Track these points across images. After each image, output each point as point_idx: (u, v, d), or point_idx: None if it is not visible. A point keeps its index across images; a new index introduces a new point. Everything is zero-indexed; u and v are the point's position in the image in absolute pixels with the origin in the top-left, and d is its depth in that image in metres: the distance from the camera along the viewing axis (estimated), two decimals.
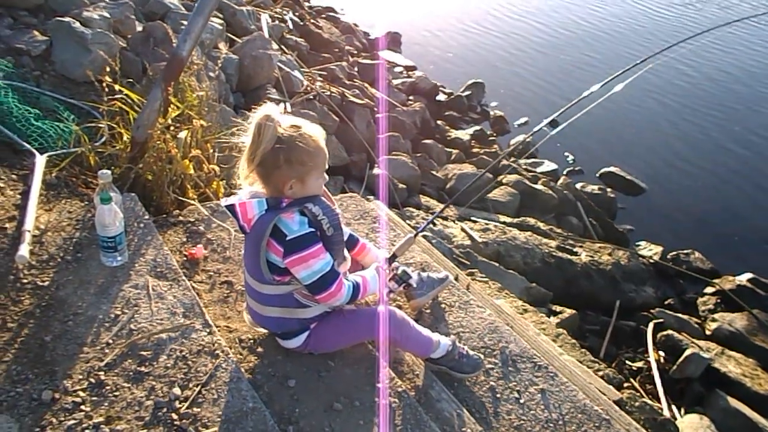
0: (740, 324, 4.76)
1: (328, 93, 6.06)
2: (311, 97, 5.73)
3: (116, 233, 2.25)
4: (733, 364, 4.24)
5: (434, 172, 6.34)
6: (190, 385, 1.88)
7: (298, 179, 1.89)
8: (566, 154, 7.58)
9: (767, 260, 5.86)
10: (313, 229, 1.89)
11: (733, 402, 3.85)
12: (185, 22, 4.25)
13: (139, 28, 4.16)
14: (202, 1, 2.82)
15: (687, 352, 4.14)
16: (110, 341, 1.99)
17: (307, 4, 9.87)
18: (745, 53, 11.01)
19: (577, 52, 10.69)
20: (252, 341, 2.20)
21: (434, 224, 4.67)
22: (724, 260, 5.81)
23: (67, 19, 3.63)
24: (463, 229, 4.83)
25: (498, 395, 2.30)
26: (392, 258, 2.51)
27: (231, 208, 1.94)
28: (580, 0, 13.45)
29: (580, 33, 11.60)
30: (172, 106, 3.05)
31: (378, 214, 3.29)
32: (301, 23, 8.24)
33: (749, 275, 5.45)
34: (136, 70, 3.76)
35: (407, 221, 4.33)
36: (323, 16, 9.81)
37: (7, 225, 2.38)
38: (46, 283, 2.18)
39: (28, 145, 2.79)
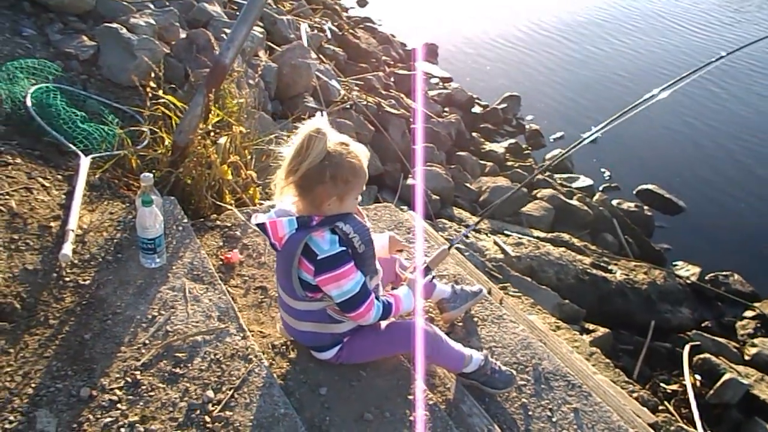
0: None
1: (365, 103, 6.10)
2: (348, 106, 5.77)
3: (156, 235, 2.29)
4: None
5: (468, 185, 6.31)
6: (224, 389, 1.90)
7: (338, 197, 1.88)
8: (603, 170, 7.47)
9: None
10: (344, 248, 1.87)
11: None
12: (227, 30, 4.33)
13: (183, 35, 4.25)
14: (247, 10, 2.86)
15: (725, 377, 4.02)
16: (147, 341, 2.02)
17: (345, 14, 9.96)
18: None
19: (613, 67, 10.54)
20: (285, 347, 2.21)
21: (467, 237, 4.64)
22: (765, 283, 5.64)
23: (114, 25, 3.73)
24: (496, 243, 4.80)
25: (530, 413, 2.27)
26: (426, 270, 2.49)
27: (261, 226, 1.94)
28: (618, 17, 13.27)
29: (616, 49, 11.44)
30: (213, 112, 3.10)
31: (412, 224, 3.28)
32: (340, 33, 8.31)
33: None
34: (178, 76, 3.83)
35: (440, 233, 4.32)
36: (361, 26, 9.88)
37: (51, 224, 2.45)
38: (87, 282, 2.23)
39: (73, 147, 2.86)
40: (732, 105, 9.25)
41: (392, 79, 7.81)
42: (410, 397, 2.07)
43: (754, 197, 7.07)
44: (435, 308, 2.62)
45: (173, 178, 2.94)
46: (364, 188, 1.99)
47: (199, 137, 2.99)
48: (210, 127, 3.09)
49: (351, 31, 8.91)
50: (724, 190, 7.23)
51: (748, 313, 5.18)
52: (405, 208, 4.16)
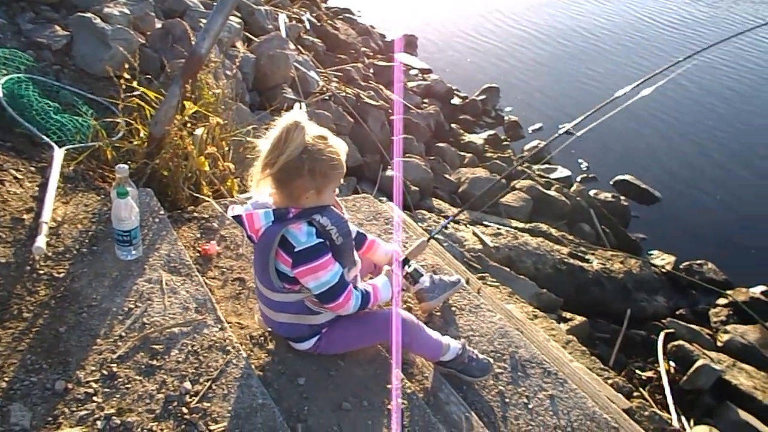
0: (753, 337, 4.71)
1: (344, 94, 6.08)
2: (326, 97, 5.75)
3: (131, 227, 2.27)
4: (744, 377, 4.20)
5: (447, 176, 6.34)
6: (201, 380, 1.90)
7: (316, 190, 1.88)
8: (580, 160, 7.55)
9: None
10: (321, 240, 1.87)
11: (744, 415, 3.81)
12: (204, 20, 4.28)
13: (159, 25, 4.19)
14: (223, 0, 2.84)
15: (698, 363, 4.10)
16: (123, 334, 2.01)
17: (324, 5, 9.90)
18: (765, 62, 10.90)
19: (592, 60, 10.64)
20: (263, 338, 2.21)
21: (446, 228, 4.67)
22: (737, 272, 5.76)
23: (88, 14, 3.67)
24: (474, 233, 4.83)
25: (507, 400, 2.30)
26: (405, 261, 2.51)
27: (238, 218, 1.93)
28: (595, 12, 13.35)
29: (595, 42, 11.53)
30: (189, 103, 3.07)
31: (391, 215, 3.29)
32: (318, 24, 8.26)
33: (763, 287, 5.40)
34: (154, 66, 3.79)
35: (419, 223, 4.34)
36: (340, 17, 9.83)
37: (24, 216, 2.41)
38: (62, 275, 2.21)
39: (46, 138, 2.82)
40: (705, 99, 9.39)
41: (371, 71, 7.80)
42: (388, 386, 2.08)
43: (727, 189, 7.20)
44: (413, 298, 2.63)
45: (149, 169, 2.92)
46: (343, 181, 1.99)
47: (176, 128, 2.96)
48: (186, 119, 3.06)
49: (330, 21, 8.87)
50: (699, 181, 7.36)
51: (721, 301, 5.28)
52: (384, 199, 4.17)
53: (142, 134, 3.02)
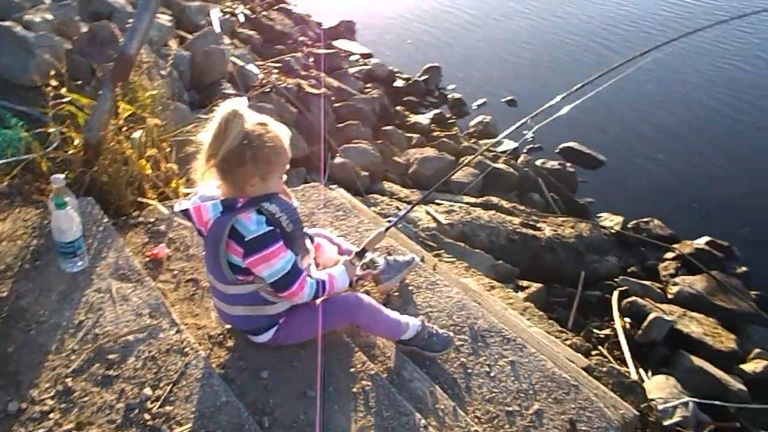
0: (700, 286, 4.91)
1: (285, 85, 6.01)
2: (267, 90, 5.68)
3: (74, 238, 2.21)
4: (695, 325, 4.38)
5: (396, 158, 6.35)
6: (161, 385, 1.87)
7: (261, 177, 1.86)
8: (525, 132, 7.66)
9: (722, 223, 6.03)
10: (272, 227, 1.86)
11: (697, 360, 3.98)
12: (132, 21, 4.17)
13: (85, 29, 4.06)
14: None
15: (650, 317, 4.26)
16: (76, 347, 1.97)
17: None
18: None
19: (528, 33, 10.80)
20: (222, 336, 2.19)
21: (398, 209, 4.70)
22: (682, 226, 5.97)
23: (8, 23, 3.53)
24: (428, 212, 4.87)
25: (469, 370, 2.34)
26: (362, 252, 2.47)
27: (186, 212, 1.91)
28: None
29: (527, 16, 11.70)
30: (124, 106, 2.99)
31: (342, 202, 3.30)
32: (253, 16, 8.14)
33: (706, 238, 5.62)
34: (84, 71, 3.68)
35: (372, 208, 4.36)
36: (275, 8, 9.69)
37: None
38: (5, 294, 2.14)
39: None
40: (646, 65, 9.63)
41: (311, 59, 7.73)
42: (352, 369, 2.10)
43: (667, 149, 7.41)
44: (370, 281, 2.64)
45: (88, 177, 2.84)
46: (289, 167, 1.97)
47: (112, 133, 2.89)
48: (122, 122, 2.99)
49: (264, 13, 8.74)
50: (640, 143, 7.56)
51: (669, 255, 5.48)
52: (334, 186, 4.16)
53: (77, 142, 2.93)
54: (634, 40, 9.97)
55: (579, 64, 9.18)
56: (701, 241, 5.59)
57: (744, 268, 5.37)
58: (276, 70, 6.50)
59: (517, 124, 3.07)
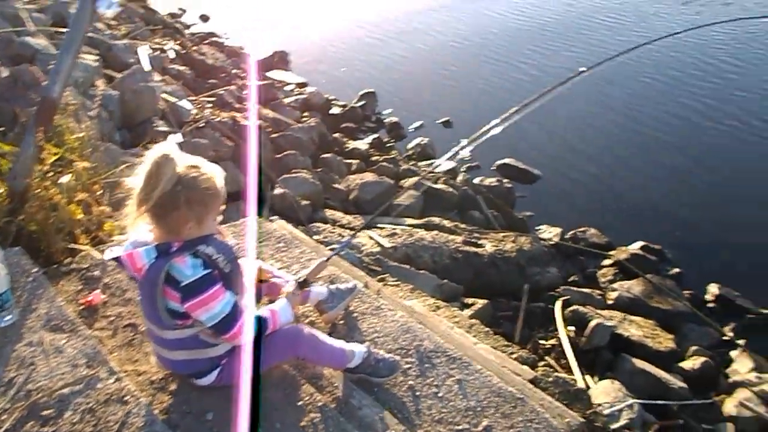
0: (637, 289, 5.10)
1: (219, 119, 5.98)
2: (202, 125, 5.64)
3: (1, 291, 2.13)
4: (634, 328, 4.54)
5: (336, 185, 6.38)
6: None
7: (196, 220, 1.84)
8: (462, 151, 7.83)
9: (654, 228, 6.29)
10: (209, 270, 1.83)
11: (638, 362, 4.11)
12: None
13: (6, 74, 3.95)
14: (69, 38, 2.73)
15: (592, 324, 4.39)
16: (7, 406, 1.89)
17: (187, 31, 9.70)
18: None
19: (460, 55, 11.10)
20: (163, 381, 2.14)
21: (341, 236, 4.71)
22: (616, 233, 6.20)
23: None
24: (371, 237, 4.90)
25: (417, 393, 2.36)
26: (304, 283, 2.47)
27: (117, 259, 1.87)
28: (457, 14, 13.90)
29: (462, 39, 12.04)
30: (50, 150, 2.92)
31: (282, 233, 3.29)
32: (183, 51, 8.08)
33: (640, 243, 5.86)
34: (6, 117, 3.57)
35: (314, 237, 4.35)
36: (206, 42, 9.66)
37: None
38: None
39: None
40: (574, 86, 10.02)
41: (245, 92, 7.72)
42: (299, 403, 2.09)
43: (598, 162, 7.68)
44: (314, 311, 2.64)
45: (15, 227, 2.74)
46: (224, 207, 1.96)
47: (38, 179, 2.80)
48: (49, 167, 2.91)
49: (195, 48, 8.69)
50: (573, 157, 7.82)
51: (606, 262, 5.67)
52: (275, 218, 4.15)
53: (1, 191, 2.83)
54: (562, 61, 10.36)
55: (509, 83, 9.48)
56: (635, 246, 5.81)
57: (676, 270, 5.61)
58: (210, 105, 6.46)
59: (457, 148, 3.16)
